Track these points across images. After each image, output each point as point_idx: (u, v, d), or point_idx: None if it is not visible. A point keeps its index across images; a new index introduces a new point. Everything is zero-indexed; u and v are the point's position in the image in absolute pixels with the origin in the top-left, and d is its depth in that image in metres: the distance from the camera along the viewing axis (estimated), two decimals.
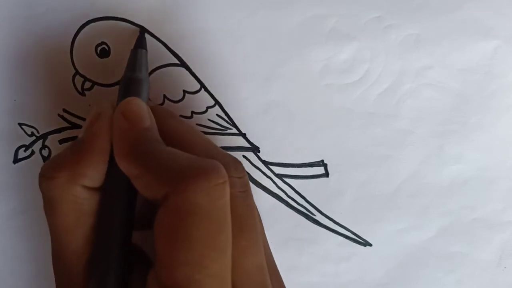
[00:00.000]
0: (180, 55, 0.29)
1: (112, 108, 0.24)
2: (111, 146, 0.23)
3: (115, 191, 0.23)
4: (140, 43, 0.26)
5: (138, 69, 0.25)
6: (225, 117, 0.29)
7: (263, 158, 0.30)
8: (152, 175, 0.21)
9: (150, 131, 0.23)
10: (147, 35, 0.28)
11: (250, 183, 0.29)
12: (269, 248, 0.26)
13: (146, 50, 0.26)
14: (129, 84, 0.24)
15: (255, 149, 0.30)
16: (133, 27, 0.28)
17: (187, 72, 0.29)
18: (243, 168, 0.24)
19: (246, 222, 0.22)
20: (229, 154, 0.24)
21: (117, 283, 0.22)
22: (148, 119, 0.23)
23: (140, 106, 0.23)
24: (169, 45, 0.28)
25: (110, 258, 0.22)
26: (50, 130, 0.29)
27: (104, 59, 0.28)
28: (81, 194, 0.23)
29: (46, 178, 0.23)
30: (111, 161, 0.23)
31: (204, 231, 0.20)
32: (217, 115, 0.29)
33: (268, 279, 0.23)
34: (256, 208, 0.25)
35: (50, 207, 0.23)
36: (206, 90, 0.29)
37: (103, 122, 0.23)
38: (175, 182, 0.20)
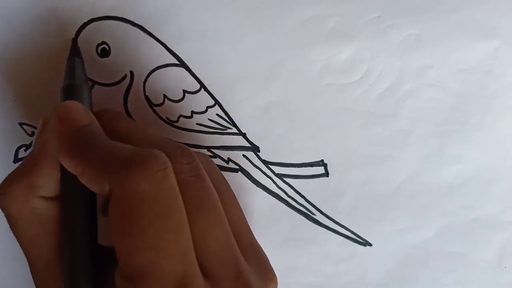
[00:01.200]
0: (180, 55, 0.29)
1: None
2: None
3: (70, 194, 0.23)
4: (74, 52, 0.27)
5: (76, 76, 0.25)
6: (225, 117, 0.29)
7: (263, 158, 0.30)
8: (94, 169, 0.21)
9: (88, 127, 0.23)
10: (146, 35, 0.28)
11: (251, 182, 0.30)
12: (243, 220, 0.27)
13: (81, 58, 0.26)
14: (68, 91, 0.25)
15: (255, 149, 0.30)
16: (133, 27, 0.28)
17: (187, 72, 0.29)
18: (191, 154, 0.24)
19: (201, 204, 0.23)
20: (176, 143, 0.24)
21: (86, 285, 0.23)
22: (84, 117, 0.23)
23: (74, 106, 0.23)
24: (168, 45, 0.29)
25: (77, 261, 0.23)
26: None
27: (105, 58, 0.28)
28: (40, 205, 0.23)
29: (1, 196, 0.23)
30: (62, 167, 0.23)
31: (152, 215, 0.20)
32: (217, 114, 0.29)
33: (237, 253, 0.23)
34: (222, 187, 0.26)
35: (13, 223, 0.23)
36: (206, 90, 0.29)
37: (48, 130, 0.23)
38: (117, 172, 0.21)
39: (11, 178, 0.23)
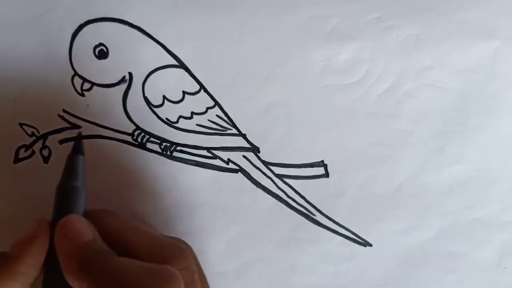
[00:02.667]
0: (179, 56, 0.29)
1: (48, 226, 0.24)
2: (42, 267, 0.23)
3: None
4: (77, 149, 0.25)
5: (74, 176, 0.24)
6: (225, 118, 0.29)
7: (263, 159, 0.30)
8: None
9: (94, 243, 0.23)
10: (145, 36, 0.28)
11: (251, 183, 0.30)
12: None
13: (84, 155, 0.25)
14: (65, 192, 0.24)
15: (255, 149, 0.30)
16: (131, 28, 0.28)
17: (187, 73, 0.29)
18: (187, 254, 0.24)
19: None
20: (173, 242, 0.24)
21: None
22: (89, 233, 0.23)
23: (78, 222, 0.23)
24: (167, 46, 0.29)
25: None
26: (50, 130, 0.29)
27: (103, 60, 0.28)
28: None
29: None
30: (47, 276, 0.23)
31: None
32: (217, 115, 0.29)
33: None
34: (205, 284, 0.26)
35: None
36: (206, 91, 0.29)
37: (37, 247, 0.23)
38: None
39: None
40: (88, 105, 0.28)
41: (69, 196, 0.24)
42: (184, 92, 0.29)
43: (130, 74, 0.28)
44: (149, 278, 0.21)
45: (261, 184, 0.30)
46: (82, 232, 0.23)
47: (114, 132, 0.29)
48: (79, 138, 0.28)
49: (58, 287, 0.23)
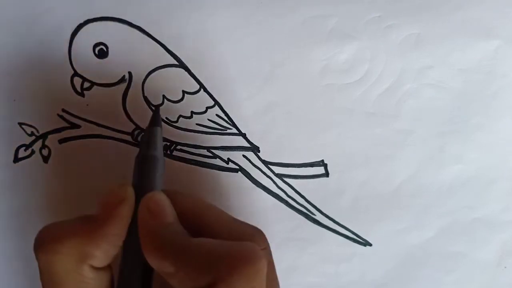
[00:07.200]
0: (179, 56, 0.29)
1: (133, 192, 0.23)
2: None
3: (130, 268, 0.23)
4: (155, 121, 0.26)
5: (153, 147, 0.25)
6: (225, 117, 0.29)
7: (263, 158, 0.30)
8: (190, 270, 0.20)
9: (174, 225, 0.23)
10: (145, 36, 0.28)
11: (251, 182, 0.30)
12: None
13: (161, 127, 0.26)
14: (145, 162, 0.24)
15: (255, 149, 0.30)
16: (131, 28, 0.28)
17: (186, 73, 0.29)
18: (265, 237, 0.24)
19: None
20: (251, 225, 0.24)
21: None
22: (172, 214, 0.23)
23: (164, 201, 0.23)
24: (167, 46, 0.29)
25: None
26: (50, 129, 0.29)
27: (103, 59, 0.28)
28: (88, 274, 0.22)
29: (48, 250, 0.22)
30: (127, 246, 0.23)
31: None
32: (216, 115, 0.29)
33: None
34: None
35: (51, 282, 0.22)
36: (206, 90, 0.29)
37: (126, 209, 0.22)
38: (219, 270, 0.20)
39: (62, 236, 0.22)
40: (87, 105, 0.28)
41: (148, 166, 0.24)
42: (183, 92, 0.29)
43: (129, 73, 0.28)
44: (232, 251, 0.20)
45: (261, 184, 0.30)
46: (166, 212, 0.22)
47: (114, 132, 0.29)
48: (156, 110, 0.26)
49: (136, 259, 0.22)
